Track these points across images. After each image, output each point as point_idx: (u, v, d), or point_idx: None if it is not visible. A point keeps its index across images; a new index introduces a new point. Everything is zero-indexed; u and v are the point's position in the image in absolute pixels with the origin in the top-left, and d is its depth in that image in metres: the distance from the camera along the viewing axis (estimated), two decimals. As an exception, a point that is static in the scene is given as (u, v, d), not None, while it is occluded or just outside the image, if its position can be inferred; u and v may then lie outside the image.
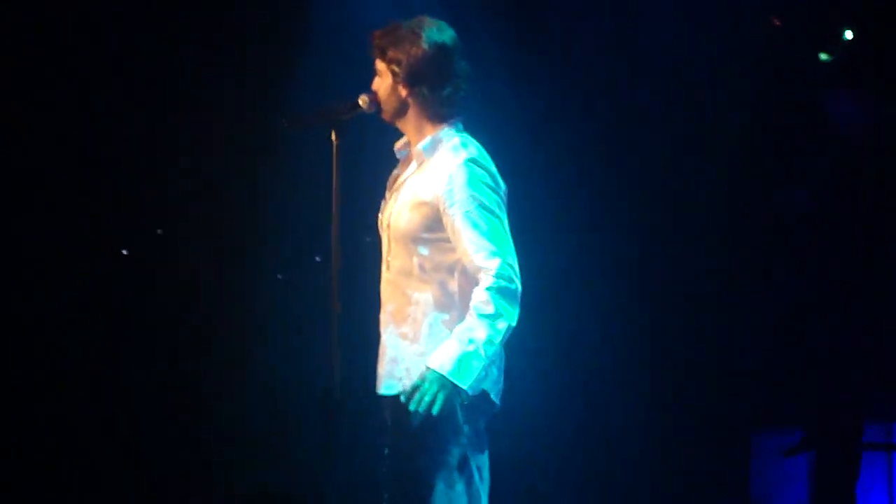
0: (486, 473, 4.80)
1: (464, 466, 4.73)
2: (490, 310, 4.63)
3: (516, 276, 4.70)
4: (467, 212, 4.72)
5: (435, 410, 4.58)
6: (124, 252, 8.02)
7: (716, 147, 7.96)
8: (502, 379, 4.85)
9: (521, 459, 7.54)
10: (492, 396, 4.78)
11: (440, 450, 4.71)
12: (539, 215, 7.47)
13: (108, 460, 7.78)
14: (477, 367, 4.61)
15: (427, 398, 4.58)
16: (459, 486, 4.72)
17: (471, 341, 4.61)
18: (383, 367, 4.88)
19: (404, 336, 4.82)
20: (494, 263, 4.67)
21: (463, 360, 4.60)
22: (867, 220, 7.40)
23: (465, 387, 4.60)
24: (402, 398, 4.68)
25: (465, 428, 4.75)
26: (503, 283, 4.65)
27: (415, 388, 4.61)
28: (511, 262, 4.70)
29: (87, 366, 7.83)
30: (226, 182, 7.87)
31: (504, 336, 4.66)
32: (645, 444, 7.91)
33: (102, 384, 7.85)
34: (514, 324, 4.68)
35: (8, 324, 7.72)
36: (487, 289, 4.64)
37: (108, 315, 7.88)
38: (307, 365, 7.14)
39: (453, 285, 4.76)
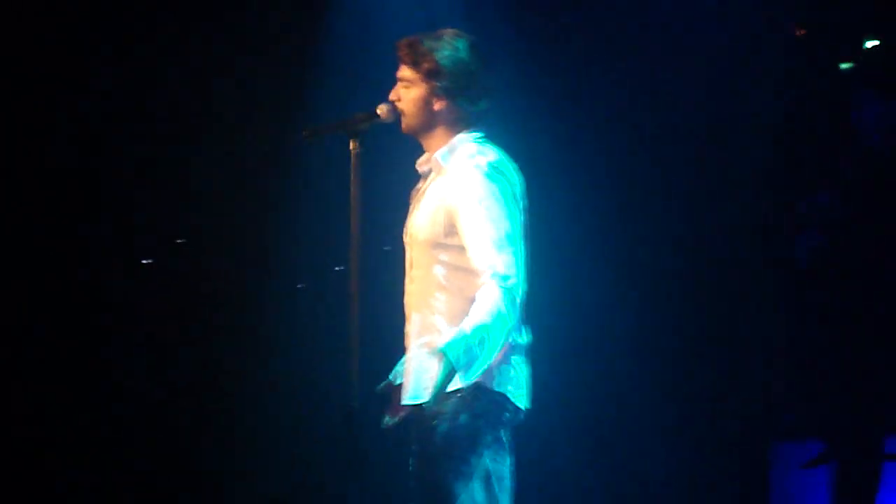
0: (508, 483, 4.79)
1: (486, 476, 4.72)
2: (500, 308, 4.59)
3: (518, 281, 4.68)
4: (477, 214, 4.71)
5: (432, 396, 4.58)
6: (144, 262, 8.05)
7: (741, 155, 7.94)
8: (525, 385, 4.83)
9: (543, 468, 7.53)
10: (513, 401, 4.78)
11: (462, 459, 4.71)
12: (563, 222, 7.47)
13: (126, 469, 7.80)
14: (481, 362, 4.59)
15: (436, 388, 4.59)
16: (481, 496, 4.71)
17: (482, 341, 4.58)
18: (409, 378, 4.88)
19: (429, 346, 4.81)
20: (499, 264, 4.64)
21: (470, 354, 4.57)
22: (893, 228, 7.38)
23: (465, 380, 4.59)
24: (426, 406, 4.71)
25: (488, 437, 4.74)
26: (507, 284, 4.62)
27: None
28: (515, 267, 4.68)
29: (106, 376, 7.85)
30: (245, 192, 7.89)
31: (506, 338, 4.64)
32: (662, 455, 7.89)
33: (121, 394, 7.86)
34: (513, 325, 4.66)
35: (27, 330, 7.75)
36: (495, 288, 4.61)
37: (127, 325, 7.90)
38: (327, 375, 7.14)
39: (476, 292, 4.74)
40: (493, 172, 4.77)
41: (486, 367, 4.62)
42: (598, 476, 7.88)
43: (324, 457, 7.33)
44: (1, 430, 7.67)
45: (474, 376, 4.61)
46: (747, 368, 7.95)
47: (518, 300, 4.67)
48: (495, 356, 4.63)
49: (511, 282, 4.61)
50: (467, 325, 4.57)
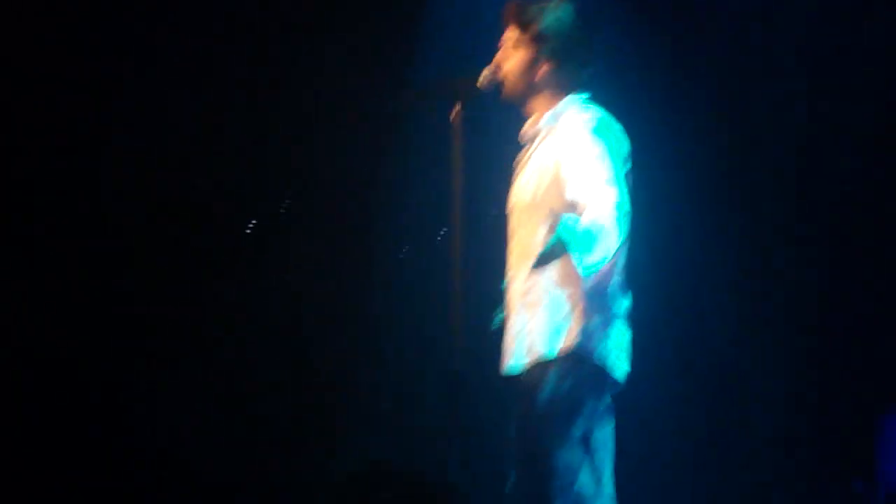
0: (609, 449, 4.77)
1: (587, 441, 4.70)
2: (610, 218, 4.48)
3: (625, 219, 4.60)
4: (584, 159, 4.64)
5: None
6: (248, 230, 8.10)
7: (844, 144, 7.83)
8: (626, 351, 4.79)
9: (644, 433, 7.50)
10: (613, 369, 4.74)
11: (564, 424, 4.70)
12: (665, 208, 7.42)
13: (239, 440, 7.90)
14: (588, 249, 4.46)
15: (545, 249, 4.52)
16: (583, 461, 4.70)
17: (592, 232, 4.45)
18: (509, 344, 4.86)
19: (528, 310, 4.79)
20: (610, 196, 4.54)
21: (582, 237, 4.45)
22: None
23: (580, 257, 4.47)
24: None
25: (588, 402, 4.72)
26: (616, 218, 4.52)
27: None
28: (624, 204, 4.60)
29: (213, 349, 7.94)
30: (348, 158, 7.91)
31: (612, 251, 4.52)
32: (769, 427, 7.83)
33: (226, 363, 7.94)
34: (618, 243, 4.54)
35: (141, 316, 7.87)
36: (607, 206, 4.51)
37: (236, 292, 7.97)
38: (431, 340, 7.16)
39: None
40: (601, 129, 4.73)
41: (589, 262, 4.47)
42: (698, 443, 7.84)
43: (428, 420, 7.36)
44: (111, 417, 7.82)
45: (582, 259, 4.47)
46: (855, 339, 7.86)
47: (625, 227, 4.59)
48: (601, 263, 4.51)
49: (623, 217, 4.55)
50: (581, 218, 4.49)
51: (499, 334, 4.95)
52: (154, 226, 7.86)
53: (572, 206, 4.59)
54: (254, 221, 7.59)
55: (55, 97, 7.61)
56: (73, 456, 7.61)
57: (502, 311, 4.96)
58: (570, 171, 4.65)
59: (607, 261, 4.53)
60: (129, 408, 7.74)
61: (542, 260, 4.56)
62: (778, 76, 7.83)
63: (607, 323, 4.75)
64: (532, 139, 4.93)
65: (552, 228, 4.54)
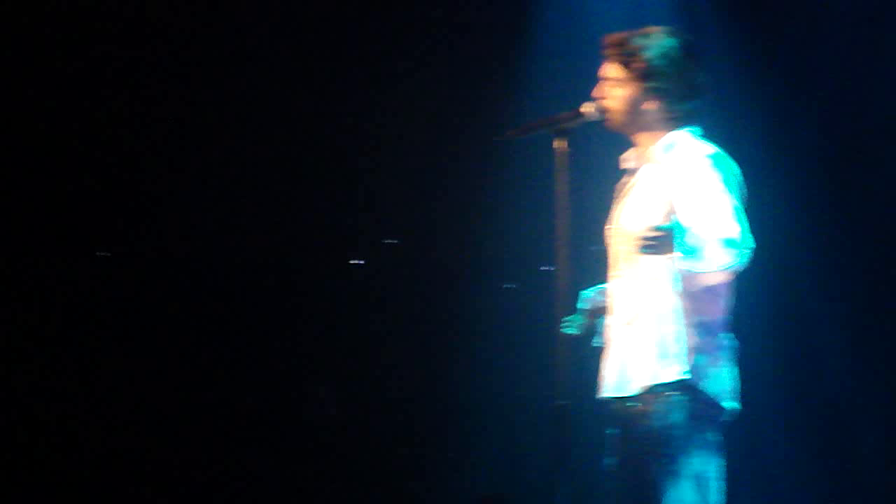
0: (716, 484, 4.72)
1: (694, 477, 4.67)
2: (728, 249, 4.50)
3: (746, 253, 4.57)
4: (710, 191, 4.61)
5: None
6: (354, 262, 8.16)
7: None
8: (734, 386, 4.77)
9: (756, 468, 7.44)
10: (721, 403, 4.72)
11: (670, 458, 4.66)
12: (778, 219, 7.37)
13: (348, 465, 7.97)
14: (694, 256, 4.47)
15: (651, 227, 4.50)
16: (690, 496, 4.66)
17: (702, 246, 4.47)
18: (612, 371, 4.85)
19: (633, 339, 4.77)
20: (735, 232, 4.53)
21: (690, 242, 4.46)
22: None
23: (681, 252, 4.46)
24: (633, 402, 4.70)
25: (697, 438, 4.69)
26: (743, 253, 4.52)
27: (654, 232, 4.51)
28: (749, 239, 4.58)
29: (313, 373, 8.02)
30: (452, 192, 7.95)
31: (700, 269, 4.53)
32: (888, 453, 7.73)
33: (337, 392, 8.01)
34: (722, 269, 4.54)
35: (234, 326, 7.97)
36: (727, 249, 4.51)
37: (336, 323, 8.04)
38: (533, 372, 7.16)
39: (681, 288, 4.67)
40: (719, 162, 4.71)
41: (689, 263, 4.48)
42: (812, 474, 7.76)
43: (532, 451, 7.36)
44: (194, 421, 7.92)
45: (687, 257, 4.47)
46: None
47: (741, 260, 4.56)
48: (697, 270, 4.52)
49: (745, 251, 4.54)
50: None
51: (598, 358, 4.95)
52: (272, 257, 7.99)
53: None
54: (360, 261, 7.68)
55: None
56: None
57: (601, 327, 4.96)
58: (692, 200, 4.64)
59: (704, 272, 4.52)
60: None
61: (648, 248, 4.53)
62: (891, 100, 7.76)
63: (715, 358, 4.72)
64: (637, 168, 4.93)
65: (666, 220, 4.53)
